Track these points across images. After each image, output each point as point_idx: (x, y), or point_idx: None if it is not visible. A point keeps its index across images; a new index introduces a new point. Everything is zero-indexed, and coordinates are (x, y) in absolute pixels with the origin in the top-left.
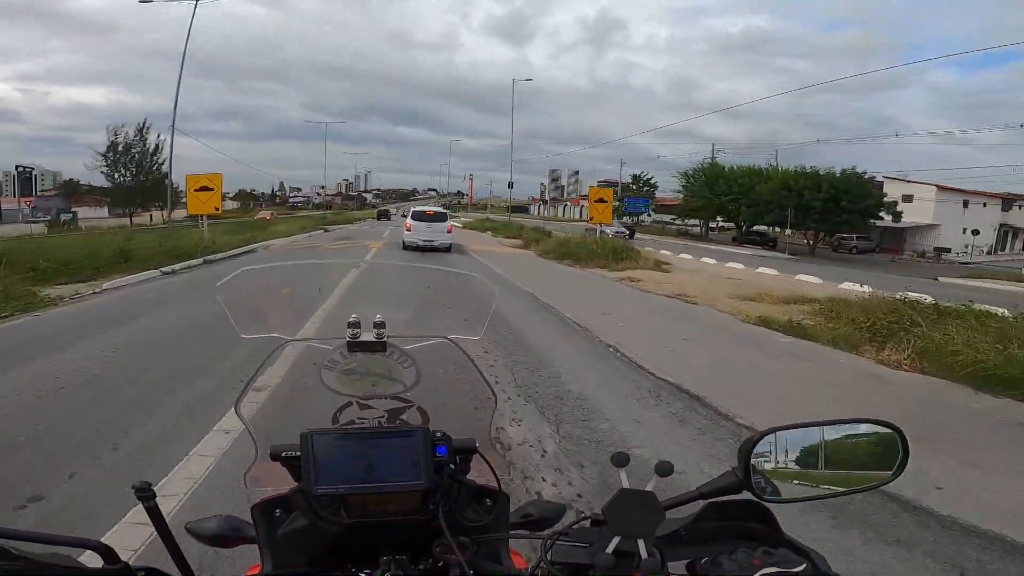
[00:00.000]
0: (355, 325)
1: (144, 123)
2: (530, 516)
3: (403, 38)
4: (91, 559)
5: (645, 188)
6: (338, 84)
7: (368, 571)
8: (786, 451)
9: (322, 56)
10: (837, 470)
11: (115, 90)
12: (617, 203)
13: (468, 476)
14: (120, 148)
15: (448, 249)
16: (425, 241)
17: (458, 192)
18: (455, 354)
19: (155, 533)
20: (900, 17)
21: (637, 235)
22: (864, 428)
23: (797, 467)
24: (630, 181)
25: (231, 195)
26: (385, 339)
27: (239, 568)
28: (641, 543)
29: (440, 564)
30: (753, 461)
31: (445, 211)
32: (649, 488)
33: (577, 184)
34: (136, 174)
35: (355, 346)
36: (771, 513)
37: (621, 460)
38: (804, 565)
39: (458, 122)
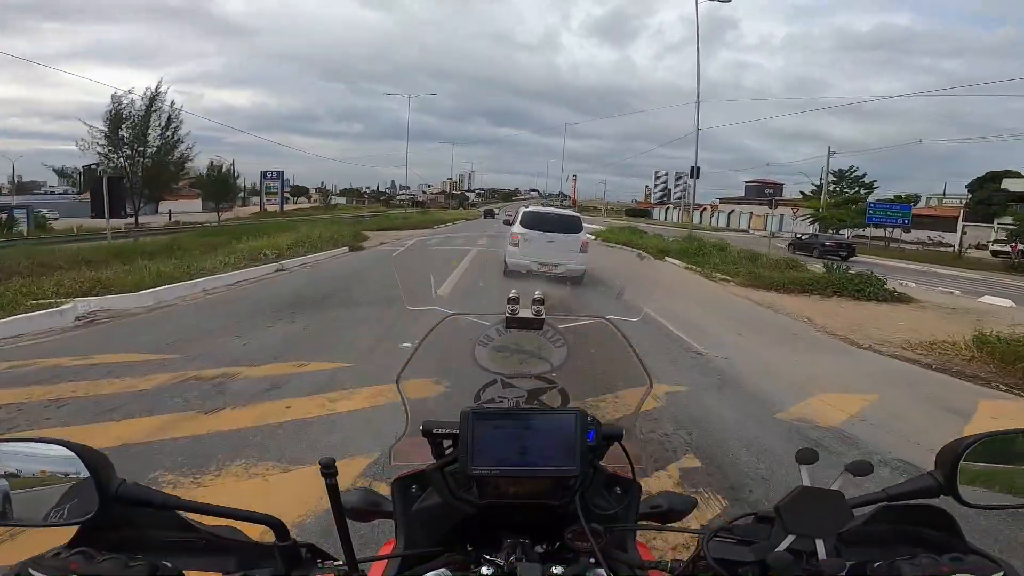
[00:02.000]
0: (514, 301)
1: (158, 87)
2: (659, 507)
3: (506, 40)
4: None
5: (855, 189)
6: (446, 85)
7: (491, 553)
8: (998, 457)
9: (431, 59)
10: None
11: (257, 92)
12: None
13: (602, 462)
14: (125, 122)
15: (580, 280)
16: (544, 266)
17: (560, 193)
18: (609, 335)
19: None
20: None
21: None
22: None
23: (1009, 473)
24: (820, 180)
25: (336, 191)
26: (543, 316)
27: (377, 543)
28: (820, 543)
29: (567, 550)
30: (962, 464)
31: (577, 215)
32: (835, 487)
33: (685, 186)
34: (154, 153)
35: (513, 322)
36: (954, 520)
37: (807, 456)
38: (1001, 574)
39: (558, 123)
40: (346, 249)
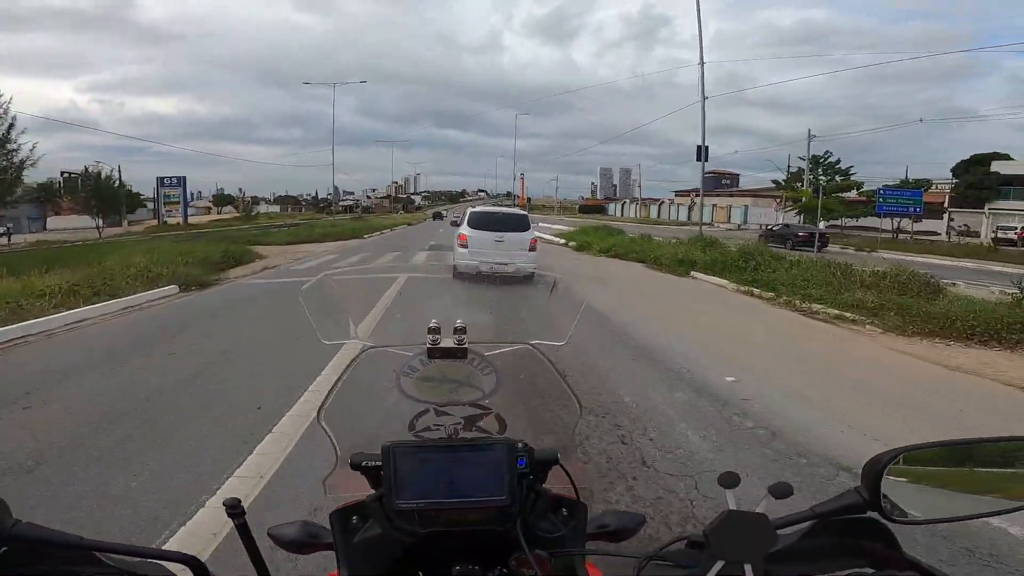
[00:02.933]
0: (435, 331)
1: None
2: (607, 527)
3: (448, 40)
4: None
5: (833, 177)
6: (390, 89)
7: None
8: (920, 472)
9: (372, 61)
10: (981, 490)
11: (183, 99)
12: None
13: (545, 484)
14: None
15: (529, 279)
16: (493, 266)
17: (507, 193)
18: (537, 361)
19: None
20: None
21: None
22: (1016, 444)
23: (933, 487)
24: (790, 168)
25: (271, 200)
26: (466, 345)
27: (317, 573)
28: (748, 568)
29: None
30: (885, 479)
31: (524, 213)
32: (760, 510)
33: (631, 182)
34: None
35: (435, 352)
36: (891, 532)
37: (729, 480)
38: None
39: (503, 125)
40: (176, 289)
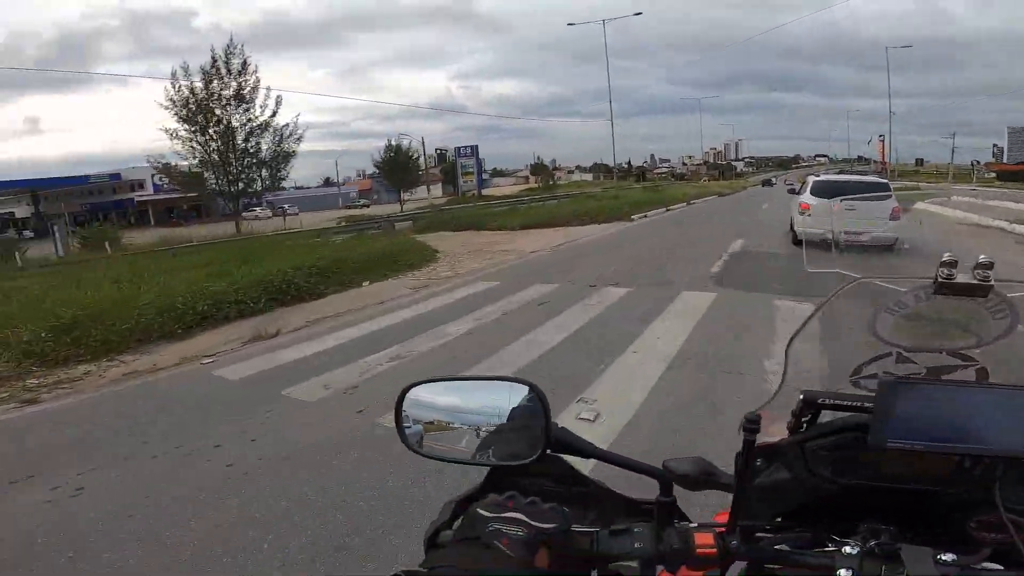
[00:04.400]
0: (950, 265)
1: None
2: None
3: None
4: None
5: None
6: (704, 52)
7: (847, 539)
8: None
9: (676, 29)
10: None
11: (522, 82)
12: None
13: None
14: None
15: (892, 247)
16: (847, 234)
17: (859, 158)
18: None
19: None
20: None
21: None
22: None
23: None
24: None
25: (587, 167)
26: (991, 282)
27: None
28: None
29: (960, 541)
30: None
31: (884, 181)
32: None
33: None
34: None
35: (945, 287)
36: None
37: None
38: None
39: (844, 84)
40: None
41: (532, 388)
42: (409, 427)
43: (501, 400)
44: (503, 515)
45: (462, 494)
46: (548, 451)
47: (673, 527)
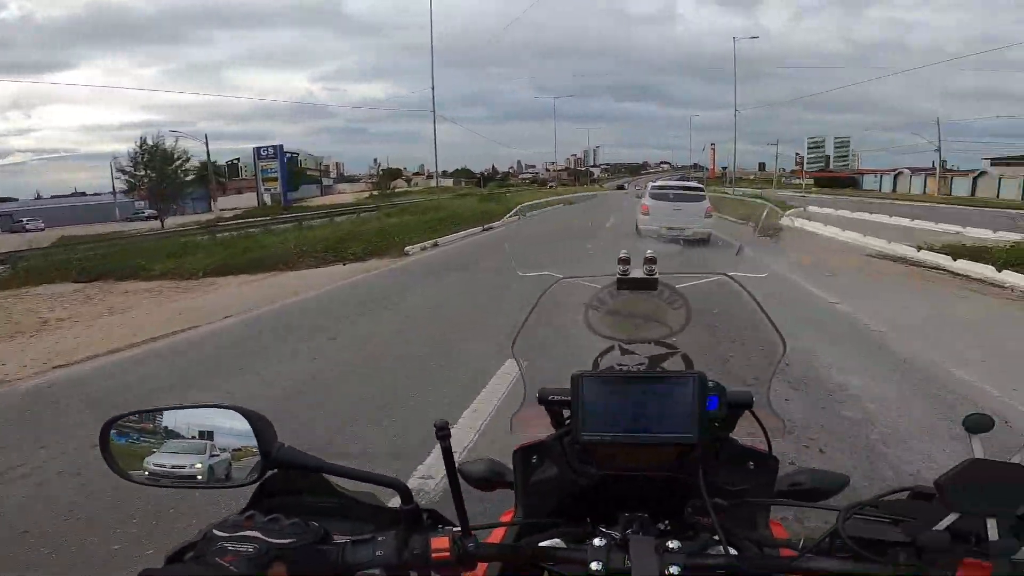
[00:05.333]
0: (625, 261)
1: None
2: (800, 485)
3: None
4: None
5: None
6: (564, 63)
7: (605, 527)
8: None
9: (545, 37)
10: None
11: (390, 85)
12: None
13: (733, 434)
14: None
15: (707, 241)
16: (671, 230)
17: (695, 165)
18: (734, 294)
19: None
20: None
21: None
22: None
23: None
24: None
25: (449, 173)
26: (656, 275)
27: (496, 513)
28: (992, 523)
29: (688, 528)
30: None
31: (700, 186)
32: (1017, 460)
33: (851, 154)
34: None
35: (624, 283)
36: None
37: (978, 424)
38: None
39: (686, 95)
40: None
41: (243, 412)
42: (120, 457)
43: (218, 425)
44: (236, 534)
45: (219, 520)
46: (271, 471)
47: (420, 533)
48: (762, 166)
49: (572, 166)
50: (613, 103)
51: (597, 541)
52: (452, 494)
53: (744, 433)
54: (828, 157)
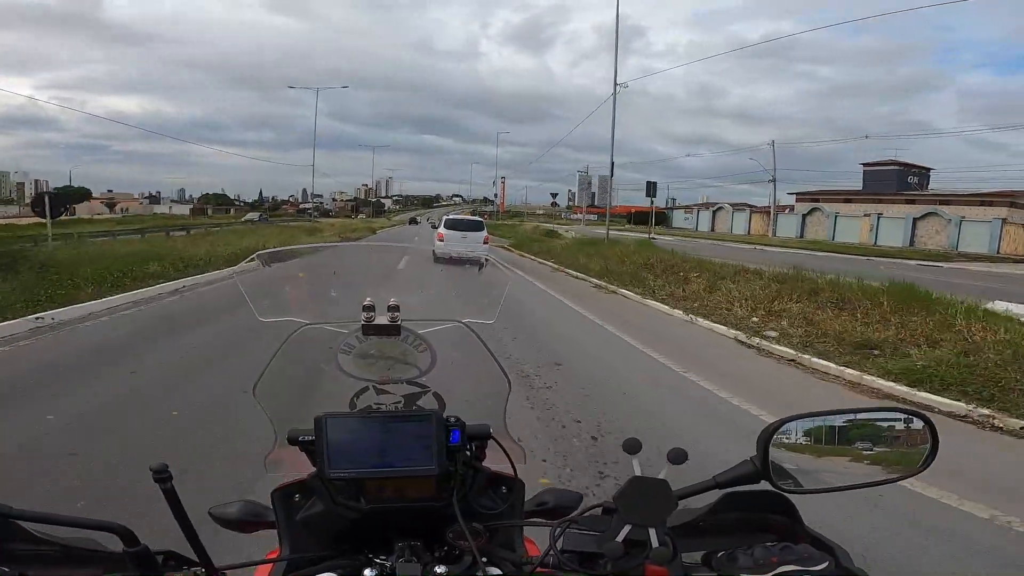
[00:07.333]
0: (370, 308)
1: None
2: (545, 504)
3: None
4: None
5: None
6: (364, 94)
7: (383, 557)
8: (808, 440)
9: (348, 65)
10: (860, 460)
11: (151, 99)
12: None
13: (485, 463)
14: None
15: (482, 266)
16: (459, 253)
17: (484, 199)
18: (469, 338)
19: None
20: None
21: None
22: (890, 415)
23: (819, 457)
24: None
25: (196, 198)
26: (399, 322)
27: (258, 552)
28: (652, 532)
29: (455, 551)
30: (773, 450)
31: (481, 220)
32: (662, 476)
33: (611, 190)
34: None
35: (370, 329)
36: (793, 505)
37: (633, 447)
38: (827, 563)
39: (481, 130)
40: None
41: None
42: None
43: None
44: None
45: None
46: None
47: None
48: (555, 202)
49: (364, 196)
50: (411, 135)
51: (368, 572)
52: (185, 536)
53: (496, 462)
54: (594, 193)
